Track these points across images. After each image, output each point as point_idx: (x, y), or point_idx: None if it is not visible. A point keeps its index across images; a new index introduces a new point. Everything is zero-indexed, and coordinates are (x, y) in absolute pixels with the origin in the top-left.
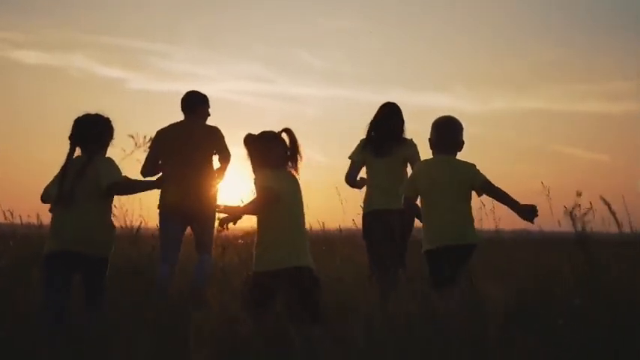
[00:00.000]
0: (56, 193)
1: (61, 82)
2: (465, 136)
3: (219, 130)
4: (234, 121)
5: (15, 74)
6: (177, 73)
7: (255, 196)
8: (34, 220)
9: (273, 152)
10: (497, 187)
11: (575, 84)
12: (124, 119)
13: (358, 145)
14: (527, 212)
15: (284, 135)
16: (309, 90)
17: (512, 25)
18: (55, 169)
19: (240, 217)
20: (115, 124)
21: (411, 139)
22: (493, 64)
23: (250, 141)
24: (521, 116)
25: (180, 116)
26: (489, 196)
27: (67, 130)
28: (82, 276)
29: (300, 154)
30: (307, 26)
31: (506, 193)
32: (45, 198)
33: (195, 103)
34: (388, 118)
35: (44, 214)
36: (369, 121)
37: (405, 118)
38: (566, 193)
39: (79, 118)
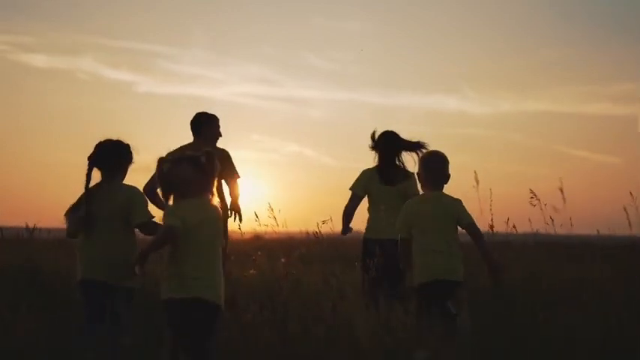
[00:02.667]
0: (81, 218)
1: (69, 85)
2: (472, 138)
3: (226, 152)
4: (241, 123)
5: (24, 77)
6: (185, 76)
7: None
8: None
9: (191, 179)
10: (480, 233)
11: (583, 86)
12: (131, 122)
13: (361, 176)
14: (495, 272)
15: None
16: (317, 92)
17: (519, 27)
18: (60, 172)
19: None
20: (122, 126)
21: (414, 174)
22: (500, 66)
23: (164, 166)
24: (529, 118)
25: (183, 121)
26: (470, 236)
27: (74, 132)
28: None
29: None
30: (314, 29)
31: (486, 245)
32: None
33: (200, 125)
34: (393, 148)
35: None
36: (372, 134)
37: (413, 121)
38: (574, 194)
39: (101, 142)
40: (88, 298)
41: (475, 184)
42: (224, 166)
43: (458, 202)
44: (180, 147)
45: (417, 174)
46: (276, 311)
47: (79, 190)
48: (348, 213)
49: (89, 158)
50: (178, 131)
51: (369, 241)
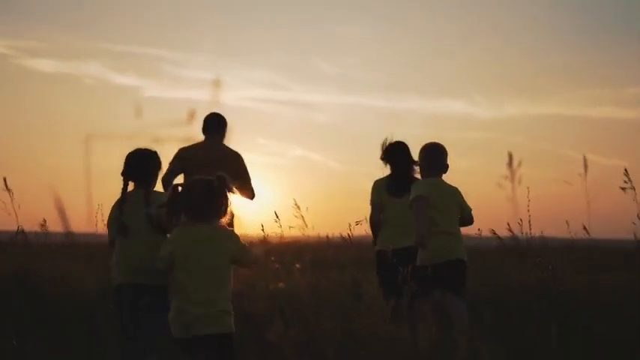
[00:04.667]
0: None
1: (75, 90)
2: (479, 141)
3: (240, 156)
4: (247, 127)
5: (30, 82)
6: (192, 81)
7: None
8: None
9: (194, 204)
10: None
11: (590, 89)
12: (138, 126)
13: (374, 187)
14: None
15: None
16: (324, 97)
17: (526, 31)
18: (69, 178)
19: None
20: (129, 131)
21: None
22: (507, 70)
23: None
24: (536, 122)
25: (190, 125)
26: (466, 223)
27: (82, 137)
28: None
29: (223, 206)
30: (321, 33)
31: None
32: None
33: (219, 125)
34: (401, 159)
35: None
36: (383, 143)
37: (419, 125)
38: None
39: (131, 154)
40: (124, 302)
41: (583, 172)
42: (239, 168)
43: (458, 190)
44: (194, 145)
45: (418, 164)
46: (304, 328)
47: (86, 195)
48: (373, 224)
49: (122, 174)
50: (187, 136)
51: (379, 252)
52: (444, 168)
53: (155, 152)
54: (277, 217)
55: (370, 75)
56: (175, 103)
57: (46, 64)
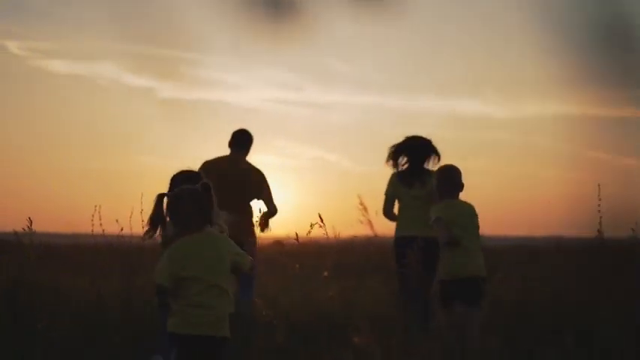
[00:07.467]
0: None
1: (90, 91)
2: (496, 141)
3: (263, 174)
4: (264, 129)
5: (45, 84)
6: (207, 81)
7: None
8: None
9: (183, 213)
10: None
11: (609, 88)
12: (153, 128)
13: (390, 180)
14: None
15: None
16: (338, 97)
17: (542, 28)
18: (79, 180)
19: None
20: (144, 133)
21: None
22: (523, 68)
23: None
24: (553, 121)
25: (205, 127)
26: None
27: (97, 139)
28: None
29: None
30: (335, 32)
31: None
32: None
33: (248, 142)
34: (415, 151)
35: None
36: (398, 137)
37: (434, 125)
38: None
39: (176, 175)
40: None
41: None
42: (262, 188)
43: (473, 208)
44: (219, 158)
45: (436, 185)
46: None
47: (95, 198)
48: (386, 214)
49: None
50: (201, 137)
51: (397, 239)
52: (460, 188)
53: (200, 174)
54: (322, 220)
55: (385, 75)
56: (191, 104)
57: (61, 65)
